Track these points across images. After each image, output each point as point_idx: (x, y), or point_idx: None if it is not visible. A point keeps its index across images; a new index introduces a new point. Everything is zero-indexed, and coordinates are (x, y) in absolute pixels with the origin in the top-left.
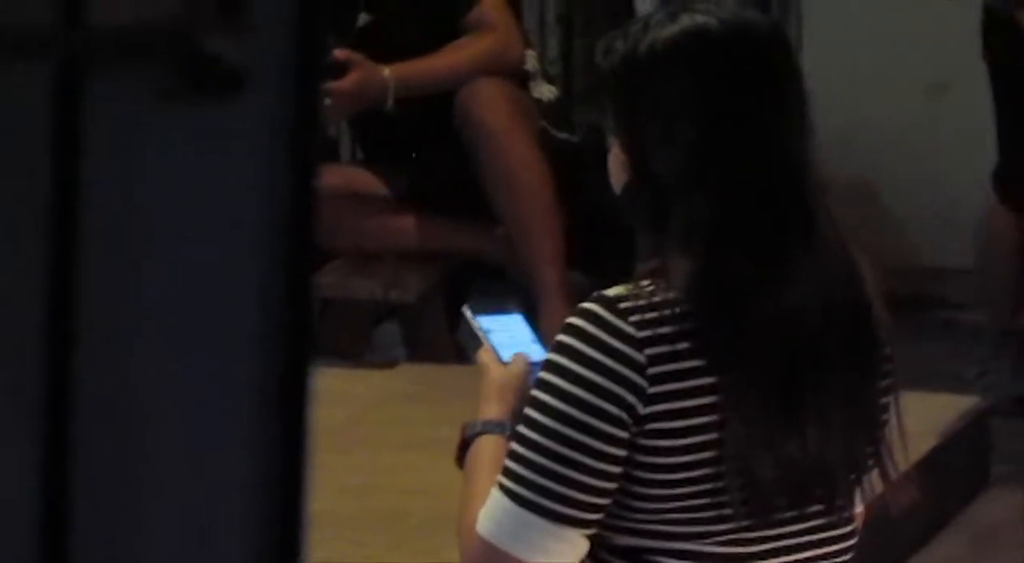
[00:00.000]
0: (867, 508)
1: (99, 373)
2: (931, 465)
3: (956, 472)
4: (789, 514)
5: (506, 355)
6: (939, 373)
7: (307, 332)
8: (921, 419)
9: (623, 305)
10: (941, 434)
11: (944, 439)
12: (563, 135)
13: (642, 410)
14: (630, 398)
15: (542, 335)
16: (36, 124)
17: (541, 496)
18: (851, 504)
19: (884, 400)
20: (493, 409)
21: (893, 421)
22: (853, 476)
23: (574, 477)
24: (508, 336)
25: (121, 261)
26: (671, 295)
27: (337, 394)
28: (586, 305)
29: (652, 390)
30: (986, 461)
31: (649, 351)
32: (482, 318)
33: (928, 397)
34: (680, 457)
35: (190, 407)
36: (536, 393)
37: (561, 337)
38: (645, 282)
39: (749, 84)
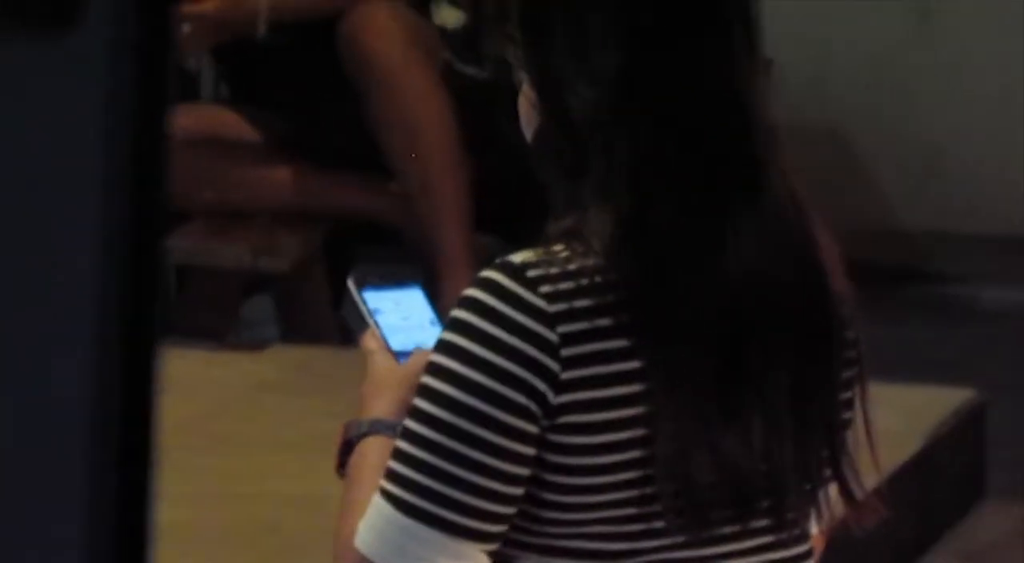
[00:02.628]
0: (824, 531)
1: None
2: (915, 472)
3: (945, 480)
4: (730, 529)
5: (397, 341)
6: (925, 360)
7: (154, 308)
8: (902, 416)
9: (531, 273)
10: (927, 435)
11: (930, 441)
12: (471, 70)
13: (554, 400)
14: (540, 385)
15: (443, 313)
16: None
17: (432, 503)
18: (805, 519)
19: (845, 395)
20: (382, 405)
21: (859, 421)
22: (807, 485)
23: (472, 480)
24: (401, 317)
25: None
26: (590, 261)
27: (194, 382)
28: (486, 273)
29: (566, 375)
30: (982, 467)
31: (563, 328)
32: (369, 293)
33: (911, 390)
34: (600, 457)
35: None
36: (426, 380)
37: (457, 312)
38: (558, 245)
39: (681, 3)
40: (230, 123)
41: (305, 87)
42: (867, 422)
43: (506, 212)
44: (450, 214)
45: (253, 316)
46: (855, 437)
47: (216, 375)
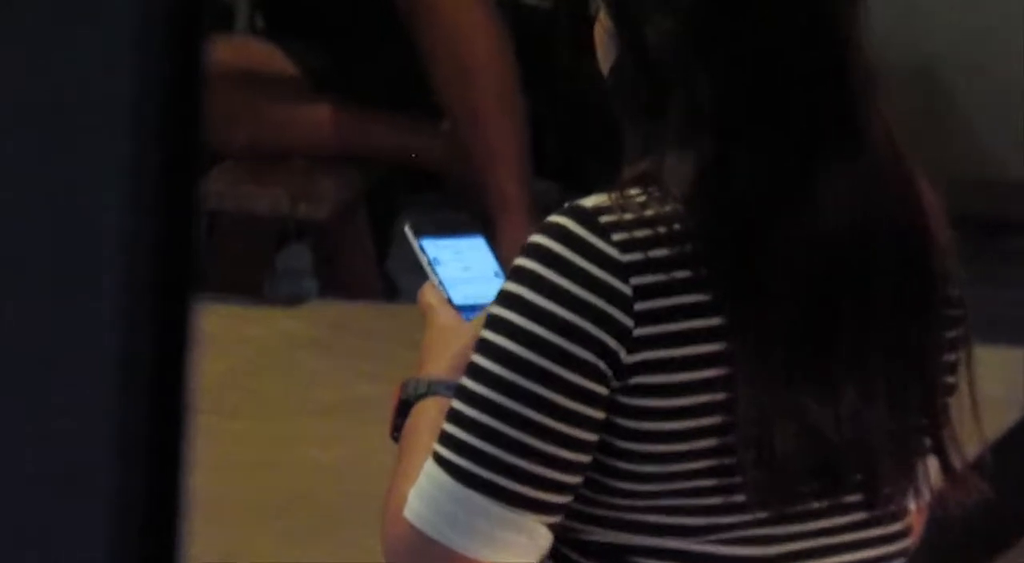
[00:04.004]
0: (922, 508)
1: None
2: (1017, 444)
3: None
4: (819, 505)
5: (459, 294)
6: None
7: (189, 259)
8: (1005, 382)
9: (604, 219)
10: None
11: None
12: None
13: (626, 358)
14: (611, 342)
15: (504, 265)
16: None
17: (489, 470)
18: (902, 495)
19: (949, 358)
20: (441, 365)
21: (963, 387)
22: (904, 459)
23: (535, 446)
24: (462, 268)
25: None
26: (667, 208)
27: (227, 340)
28: (554, 219)
29: (640, 332)
30: None
31: (637, 280)
32: (428, 242)
33: (1014, 353)
34: (676, 423)
35: (18, 371)
36: (485, 334)
37: (521, 261)
38: (634, 190)
39: None
40: (265, 56)
41: (347, 17)
42: (972, 388)
43: (567, 156)
44: (506, 157)
45: (289, 268)
46: (958, 405)
47: (248, 332)
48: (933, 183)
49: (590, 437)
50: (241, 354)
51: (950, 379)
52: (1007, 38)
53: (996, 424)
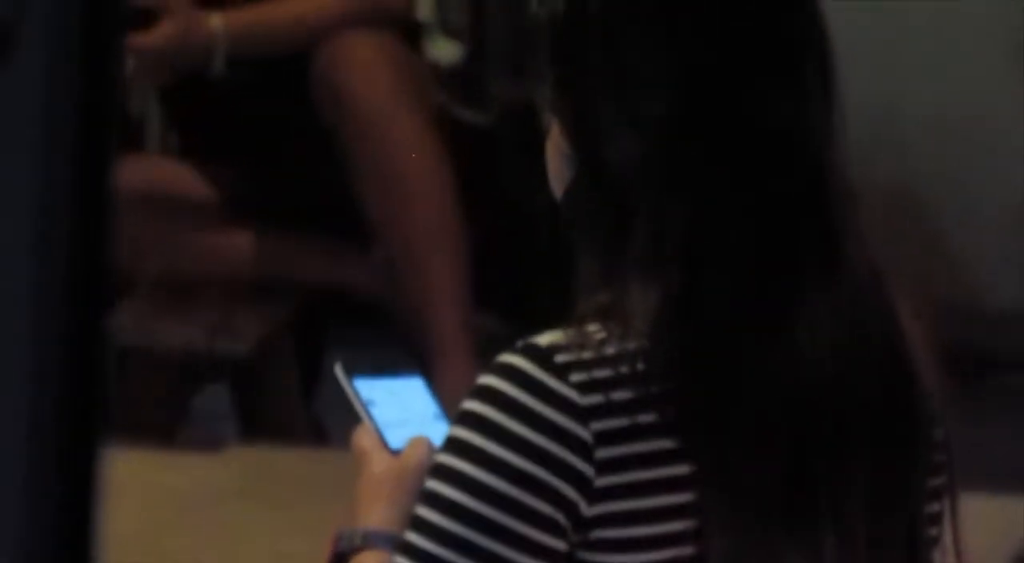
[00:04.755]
0: None
1: None
2: None
3: None
4: None
5: (395, 438)
6: (1011, 464)
7: (96, 402)
8: (993, 533)
9: (560, 358)
10: (1019, 557)
11: None
12: (470, 114)
13: (586, 511)
14: (570, 493)
15: (444, 407)
16: None
17: None
18: None
19: (933, 507)
20: (378, 514)
21: (947, 538)
22: None
23: None
24: (399, 410)
25: None
26: (630, 345)
27: (139, 488)
28: (506, 358)
29: (601, 482)
30: None
31: (598, 425)
32: (361, 382)
33: (1004, 502)
34: None
35: None
36: (432, 484)
37: (469, 404)
38: (592, 326)
39: (744, 37)
40: (181, 179)
41: (269, 136)
42: (957, 541)
43: (510, 286)
44: (443, 287)
45: (206, 409)
46: (942, 558)
47: (161, 480)
48: (918, 312)
49: None
50: (154, 505)
51: (934, 530)
52: (991, 161)
53: None
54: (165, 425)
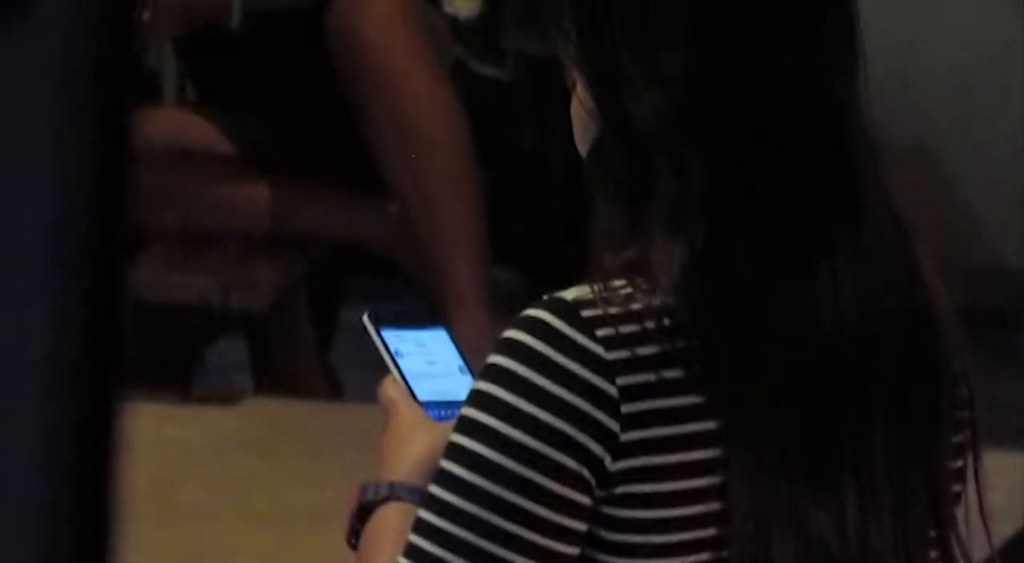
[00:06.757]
0: None
1: None
2: (1018, 555)
3: None
4: None
5: (423, 390)
6: None
7: (115, 355)
8: (1007, 490)
9: (587, 313)
10: None
11: None
12: (487, 69)
13: (611, 466)
14: (595, 448)
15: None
16: None
17: None
18: None
19: (957, 463)
20: (404, 466)
21: (971, 494)
22: None
23: (511, 560)
24: (426, 362)
25: None
26: (656, 300)
27: (154, 441)
28: (532, 312)
29: (626, 437)
30: None
31: (623, 380)
32: (389, 333)
33: (1019, 458)
34: (666, 536)
35: None
36: (456, 437)
37: (495, 358)
38: (618, 282)
39: None
40: (196, 130)
41: (286, 88)
42: (981, 497)
43: (527, 239)
44: (459, 241)
45: (221, 363)
46: (966, 512)
47: (177, 434)
48: (940, 269)
49: (571, 551)
50: (169, 458)
51: (957, 486)
52: (1010, 114)
53: (997, 536)
54: (180, 378)
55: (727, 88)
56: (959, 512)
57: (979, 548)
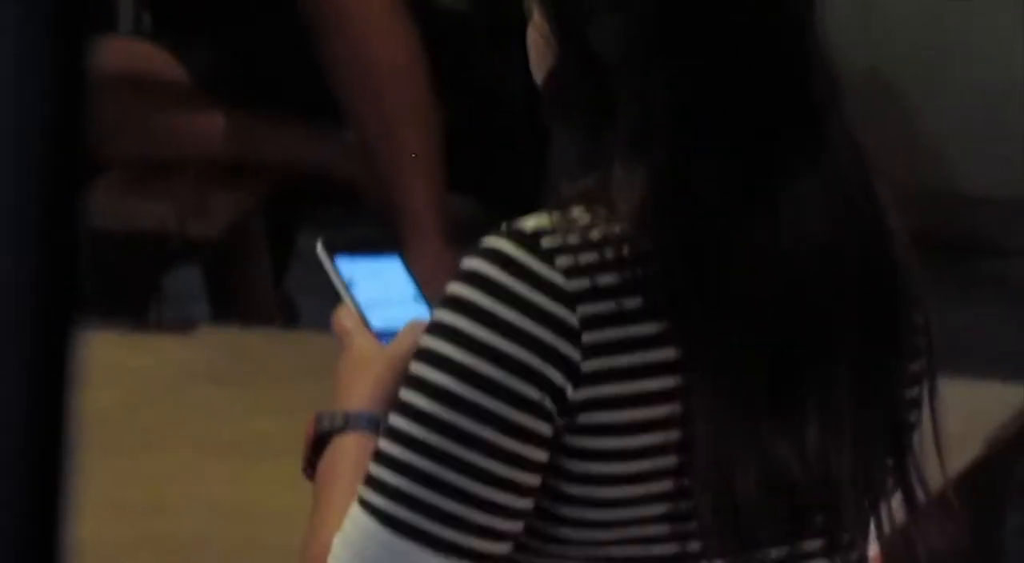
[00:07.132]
0: (885, 549)
1: None
2: (979, 482)
3: (1016, 493)
4: (777, 553)
5: (377, 318)
6: (992, 348)
7: (72, 283)
8: (965, 417)
9: (546, 242)
10: (994, 439)
11: (999, 446)
12: None
13: (572, 395)
14: (556, 377)
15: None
16: None
17: (421, 516)
18: (863, 540)
19: (914, 392)
20: (360, 395)
21: (927, 422)
22: (867, 499)
23: (470, 490)
24: (380, 290)
25: None
26: (616, 229)
27: (109, 370)
28: (491, 242)
29: (587, 366)
30: None
31: (584, 309)
32: (343, 261)
33: (977, 385)
34: (627, 465)
35: None
36: (416, 368)
37: (455, 287)
38: (577, 210)
39: None
40: (152, 59)
41: (242, 16)
42: (937, 424)
43: (484, 168)
44: (416, 169)
45: (178, 291)
46: (922, 441)
47: (134, 362)
48: (897, 197)
49: (532, 481)
50: (127, 386)
51: (914, 414)
52: (966, 44)
53: (958, 462)
54: (137, 306)
55: (686, 16)
56: (916, 440)
57: (936, 475)
